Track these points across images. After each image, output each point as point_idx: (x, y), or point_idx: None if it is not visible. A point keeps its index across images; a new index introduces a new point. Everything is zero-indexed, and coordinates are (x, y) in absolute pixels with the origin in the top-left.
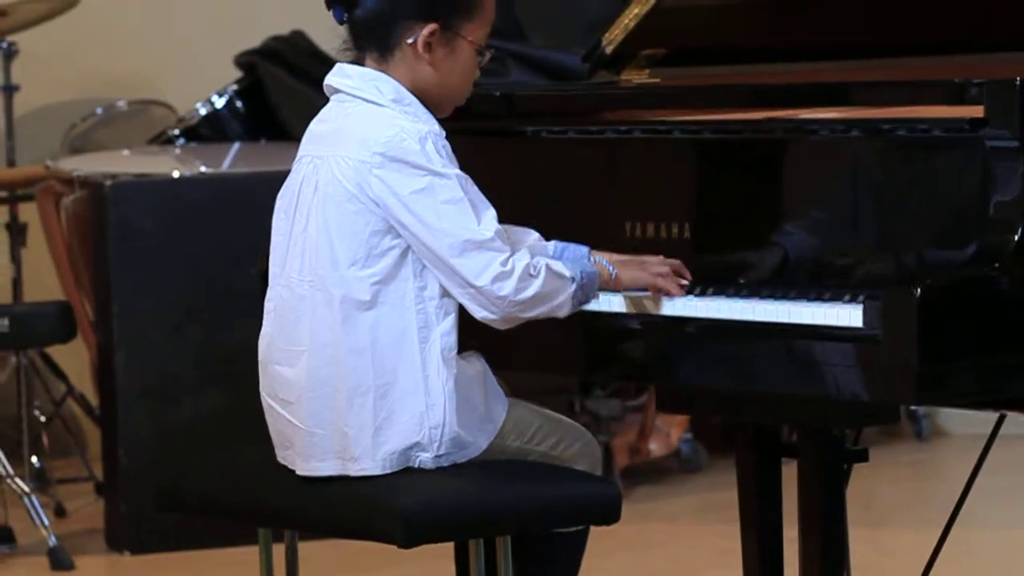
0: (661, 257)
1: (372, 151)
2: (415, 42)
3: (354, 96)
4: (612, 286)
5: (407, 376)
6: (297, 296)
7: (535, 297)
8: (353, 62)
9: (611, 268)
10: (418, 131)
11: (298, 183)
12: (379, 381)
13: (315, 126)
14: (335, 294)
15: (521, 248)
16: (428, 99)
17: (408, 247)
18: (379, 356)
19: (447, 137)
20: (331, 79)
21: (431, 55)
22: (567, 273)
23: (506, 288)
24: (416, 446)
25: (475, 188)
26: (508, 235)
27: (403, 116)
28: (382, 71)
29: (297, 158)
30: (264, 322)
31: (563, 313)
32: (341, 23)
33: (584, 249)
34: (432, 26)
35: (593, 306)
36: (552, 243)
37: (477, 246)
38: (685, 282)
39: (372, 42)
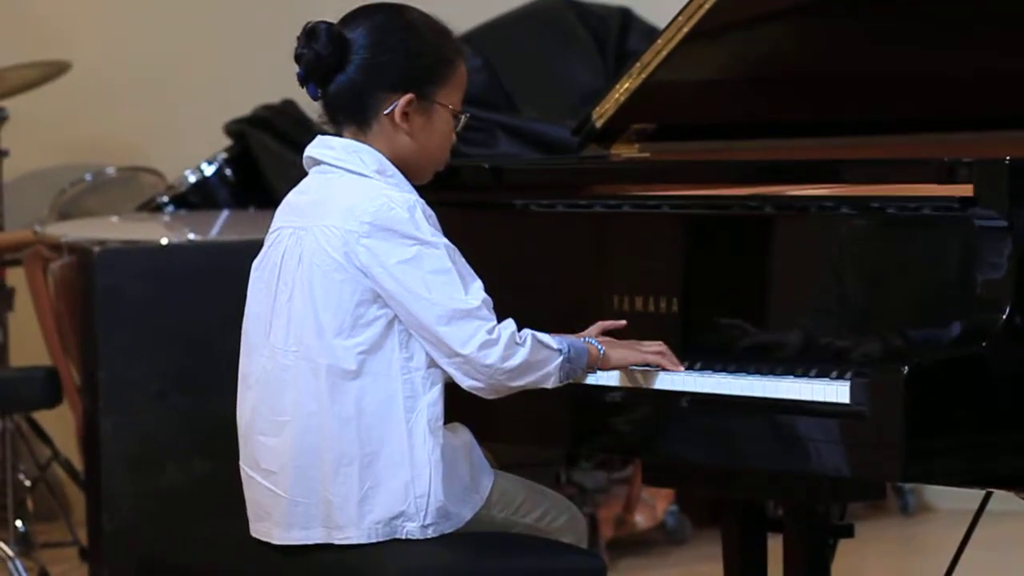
0: (659, 342)
1: (360, 220)
2: (392, 113)
3: (337, 167)
4: (600, 365)
5: (393, 446)
6: (281, 366)
7: (521, 366)
8: (332, 135)
9: (600, 347)
10: (406, 200)
11: (279, 254)
12: (365, 450)
13: (294, 197)
14: (321, 363)
15: (507, 319)
16: (408, 167)
17: (394, 317)
18: (365, 425)
19: (434, 207)
20: (312, 151)
21: (409, 124)
22: (554, 345)
23: (492, 356)
24: (402, 515)
25: (462, 259)
26: None
27: (388, 186)
28: (363, 142)
29: (273, 229)
30: (242, 394)
31: (550, 384)
32: (315, 99)
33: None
34: (408, 96)
35: (583, 370)
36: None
37: (464, 315)
38: (679, 368)
39: (349, 115)
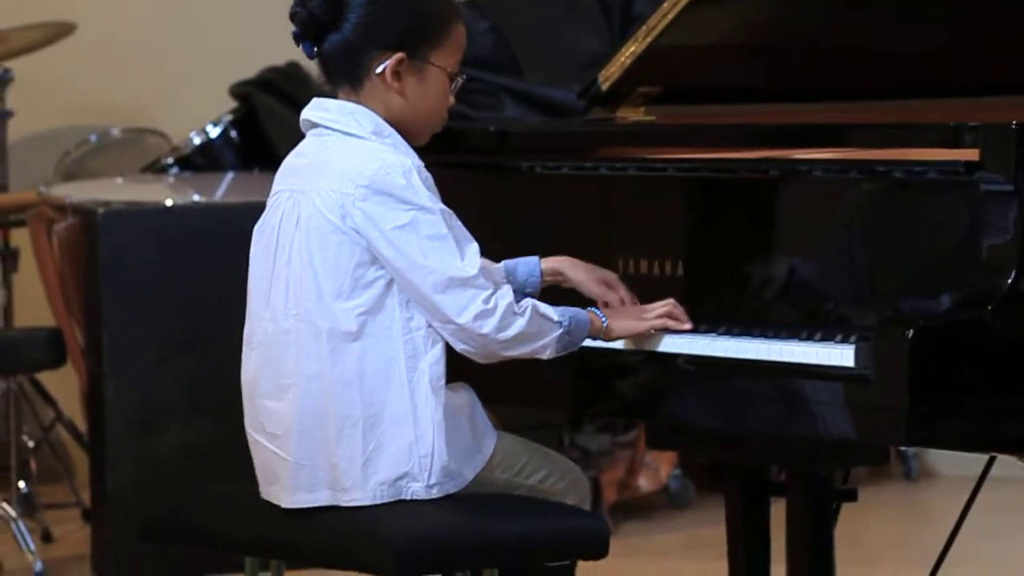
0: (669, 301)
1: (356, 184)
2: (383, 72)
3: (333, 129)
4: (604, 336)
5: (396, 406)
6: (283, 330)
7: (517, 336)
8: (329, 95)
9: (603, 317)
10: (402, 164)
11: (278, 218)
12: (368, 412)
13: (292, 160)
14: (321, 326)
15: (504, 285)
16: (403, 128)
17: (393, 278)
18: (367, 387)
19: (434, 170)
20: (308, 113)
21: (400, 84)
22: (555, 317)
23: (488, 326)
24: (406, 476)
25: (458, 223)
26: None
27: (385, 149)
28: (357, 103)
29: (273, 193)
30: (246, 357)
31: (546, 355)
32: (311, 58)
33: (532, 259)
34: (399, 55)
35: (584, 341)
36: (503, 264)
37: (460, 283)
38: (686, 325)
39: (343, 75)
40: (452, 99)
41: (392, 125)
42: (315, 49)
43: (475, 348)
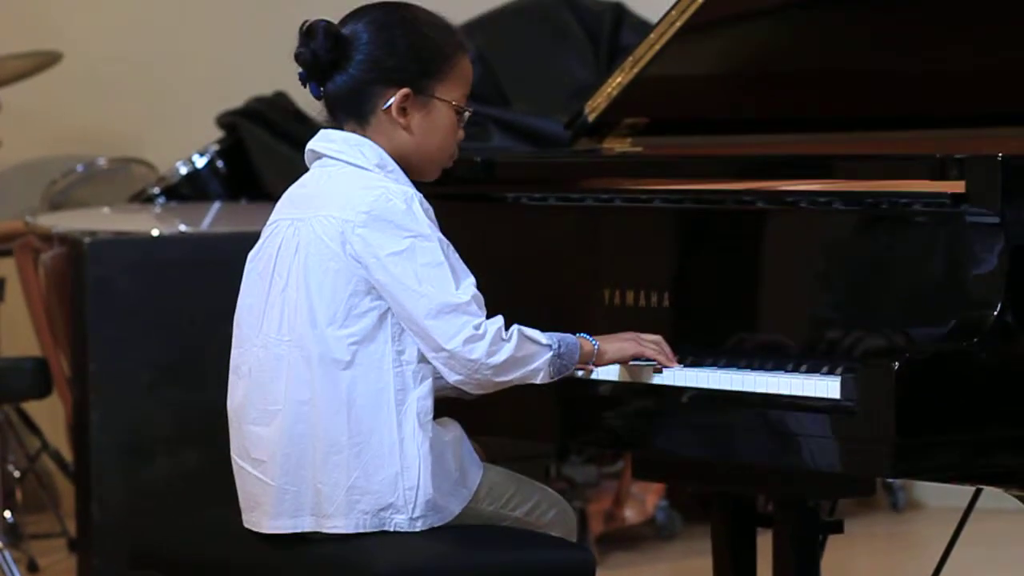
0: (658, 336)
1: (357, 210)
2: (389, 108)
3: (338, 160)
4: (596, 360)
5: (382, 437)
6: (274, 356)
7: (507, 361)
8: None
9: (594, 342)
10: (403, 192)
11: (276, 245)
12: (354, 440)
13: (295, 190)
14: (313, 352)
15: (497, 316)
16: (410, 163)
17: (387, 309)
18: (355, 416)
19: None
20: (314, 144)
21: (406, 119)
22: (543, 340)
23: (477, 351)
24: (391, 507)
25: (455, 254)
26: None
27: (387, 179)
28: (363, 137)
29: (271, 221)
30: (233, 384)
31: (539, 380)
32: (318, 98)
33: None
34: (404, 91)
35: (576, 366)
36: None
37: (452, 309)
38: (674, 364)
39: (348, 112)
40: (461, 133)
41: (398, 160)
42: (321, 89)
43: (466, 375)
